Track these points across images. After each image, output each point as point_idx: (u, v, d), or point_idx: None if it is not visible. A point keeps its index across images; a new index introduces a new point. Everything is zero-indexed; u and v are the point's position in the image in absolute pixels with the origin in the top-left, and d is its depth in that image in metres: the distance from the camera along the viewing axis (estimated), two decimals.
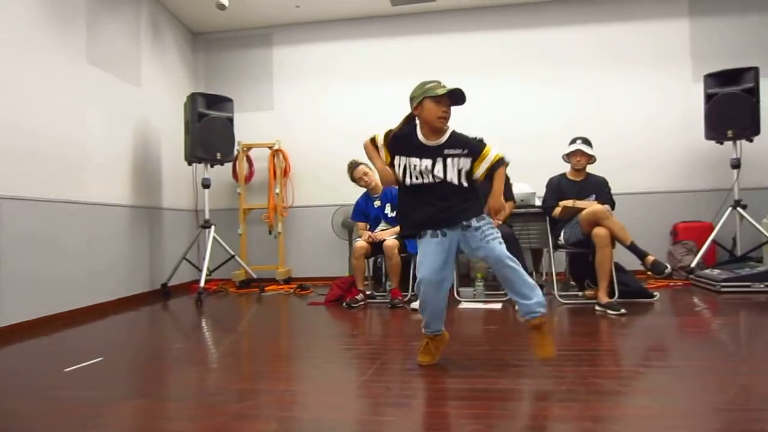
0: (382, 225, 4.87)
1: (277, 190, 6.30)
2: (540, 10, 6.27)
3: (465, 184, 2.53)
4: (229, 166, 6.16)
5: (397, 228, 4.74)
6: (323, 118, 6.59)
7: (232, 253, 5.77)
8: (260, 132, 6.52)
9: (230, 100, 5.71)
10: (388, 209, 4.89)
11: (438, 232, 2.52)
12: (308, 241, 6.49)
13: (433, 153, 2.50)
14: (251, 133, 6.46)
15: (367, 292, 4.75)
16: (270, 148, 6.35)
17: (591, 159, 4.51)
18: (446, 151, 2.49)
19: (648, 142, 6.00)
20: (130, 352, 3.29)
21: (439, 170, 2.48)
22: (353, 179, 4.93)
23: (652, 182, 5.97)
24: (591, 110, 6.07)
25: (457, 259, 4.73)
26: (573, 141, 4.55)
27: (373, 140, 2.66)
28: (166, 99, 6.07)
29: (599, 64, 6.15)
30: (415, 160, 2.51)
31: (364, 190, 4.98)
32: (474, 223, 2.50)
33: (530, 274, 5.35)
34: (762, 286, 4.45)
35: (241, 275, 6.05)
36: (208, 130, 5.42)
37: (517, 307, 2.60)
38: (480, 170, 2.53)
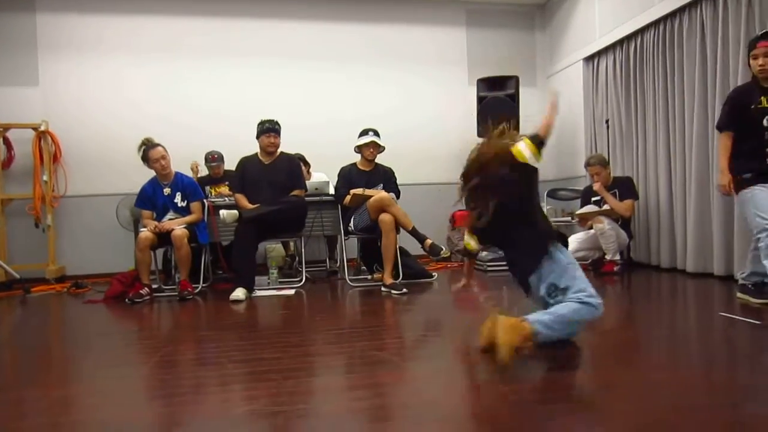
0: (171, 214, 4.57)
1: (45, 178, 5.52)
2: (338, 6, 6.43)
3: None
4: None
5: (188, 217, 4.51)
6: (103, 97, 5.93)
7: None
8: (22, 110, 5.62)
9: None
10: (178, 198, 4.59)
11: None
12: (86, 235, 5.81)
13: None
14: (9, 111, 5.55)
15: (154, 286, 4.42)
16: (35, 129, 5.53)
17: (380, 149, 4.79)
18: None
19: (431, 137, 6.56)
20: None
21: None
22: (147, 160, 4.50)
23: (434, 174, 6.54)
24: (382, 105, 6.40)
25: (256, 249, 4.68)
26: (365, 132, 4.78)
27: None
28: None
29: (391, 61, 6.54)
30: None
31: (152, 175, 4.61)
32: None
33: (325, 261, 5.63)
34: None
35: (0, 276, 5.20)
36: None
37: None
38: None
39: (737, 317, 2.95)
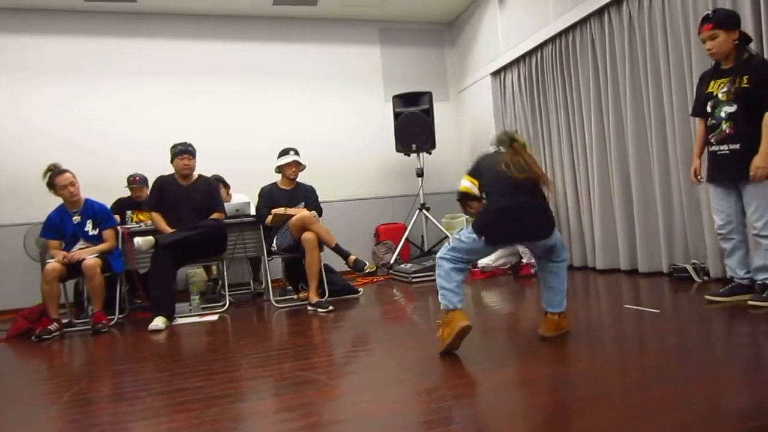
0: (81, 243, 4.33)
1: None
2: (252, 25, 6.40)
3: None
4: None
5: (100, 246, 4.29)
6: (4, 121, 5.55)
7: None
8: None
9: None
10: (89, 226, 4.36)
11: None
12: None
13: None
14: None
15: (64, 321, 4.17)
16: None
17: (302, 168, 4.79)
18: None
19: (350, 154, 6.62)
20: None
21: None
22: (53, 186, 4.23)
23: (356, 190, 6.61)
24: (300, 124, 6.41)
25: (175, 275, 4.53)
26: (286, 152, 4.76)
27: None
28: None
29: (307, 80, 6.55)
30: None
31: (60, 202, 4.35)
32: None
33: (250, 283, 5.52)
34: None
35: None
36: None
37: None
38: None
39: (640, 308, 3.21)
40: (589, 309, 3.48)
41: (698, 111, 3.13)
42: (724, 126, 2.93)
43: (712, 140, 3.01)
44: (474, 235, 2.51)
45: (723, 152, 2.96)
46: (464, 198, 2.72)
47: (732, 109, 2.89)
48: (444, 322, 2.51)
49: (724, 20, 2.89)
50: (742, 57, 2.88)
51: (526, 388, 2.06)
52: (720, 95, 2.94)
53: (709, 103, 3.01)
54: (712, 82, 3.01)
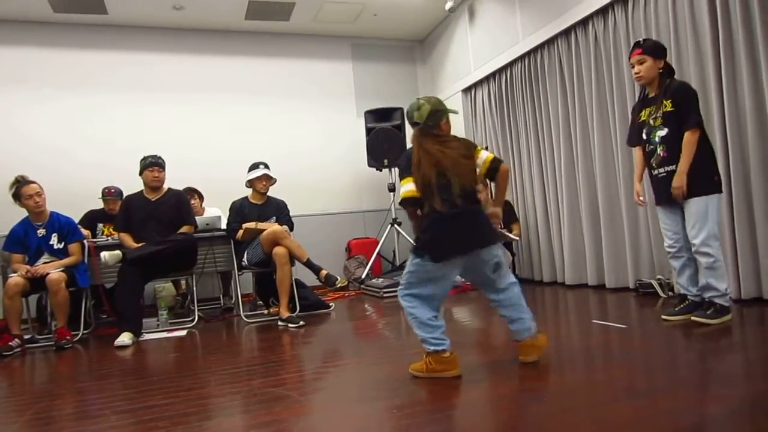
0: (45, 257, 4.23)
1: None
2: (224, 39, 6.40)
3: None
4: None
5: (66, 260, 4.19)
6: None
7: None
8: None
9: None
10: (54, 240, 4.27)
11: None
12: None
13: None
14: None
15: (26, 336, 4.05)
16: None
17: (272, 182, 4.79)
18: None
19: (323, 168, 6.64)
20: None
21: None
22: (19, 197, 4.14)
23: (328, 205, 6.62)
24: (273, 139, 6.41)
25: (143, 290, 4.44)
26: (255, 166, 4.75)
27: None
28: None
29: (279, 95, 6.57)
30: None
31: (24, 215, 4.25)
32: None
33: (219, 298, 5.46)
34: None
35: None
36: None
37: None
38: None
39: (608, 323, 3.28)
40: (558, 324, 3.54)
41: (633, 140, 3.31)
42: (659, 150, 3.09)
43: (653, 164, 3.17)
44: (418, 259, 2.34)
45: (662, 174, 3.11)
46: (409, 204, 2.44)
47: (663, 132, 3.06)
48: (434, 357, 2.35)
49: (652, 49, 3.09)
50: (665, 84, 3.07)
51: (495, 403, 2.09)
52: (651, 121, 3.12)
53: (644, 130, 3.18)
54: (643, 111, 3.19)
